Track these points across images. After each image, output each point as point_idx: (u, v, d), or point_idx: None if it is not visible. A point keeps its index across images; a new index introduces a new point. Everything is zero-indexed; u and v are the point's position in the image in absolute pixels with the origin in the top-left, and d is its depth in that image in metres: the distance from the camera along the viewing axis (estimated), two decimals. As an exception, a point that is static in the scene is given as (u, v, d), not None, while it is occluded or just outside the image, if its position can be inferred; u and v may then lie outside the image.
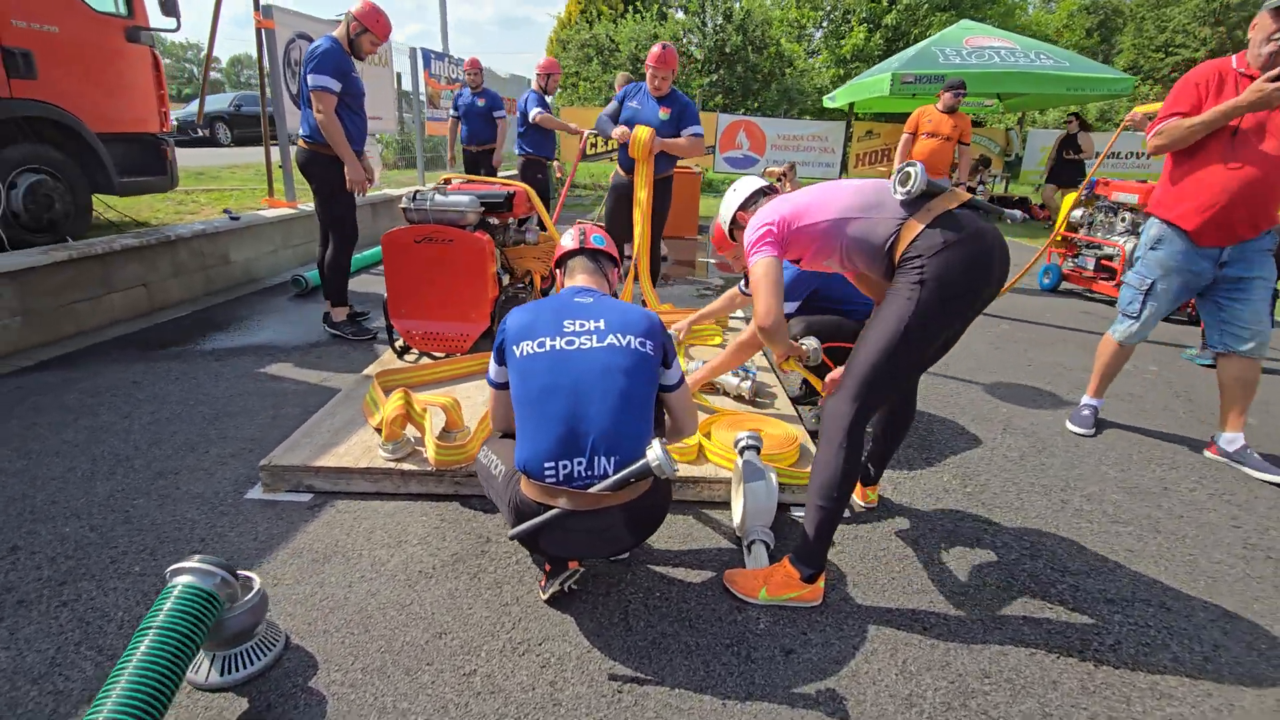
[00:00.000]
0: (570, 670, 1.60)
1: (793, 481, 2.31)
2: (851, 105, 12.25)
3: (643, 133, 3.72)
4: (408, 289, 3.17)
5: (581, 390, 1.60)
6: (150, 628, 1.33)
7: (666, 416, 1.95)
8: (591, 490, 1.55)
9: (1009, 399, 3.39)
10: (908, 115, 6.40)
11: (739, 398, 2.95)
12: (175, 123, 15.88)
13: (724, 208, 2.29)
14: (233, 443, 2.64)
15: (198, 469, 2.44)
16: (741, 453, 2.14)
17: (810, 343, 2.39)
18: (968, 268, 1.70)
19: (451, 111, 6.76)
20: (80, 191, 4.67)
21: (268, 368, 3.46)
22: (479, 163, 6.76)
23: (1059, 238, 5.59)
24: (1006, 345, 4.26)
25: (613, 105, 4.13)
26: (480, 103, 6.49)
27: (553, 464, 1.56)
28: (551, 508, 1.56)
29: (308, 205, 6.05)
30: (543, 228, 3.81)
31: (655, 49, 3.92)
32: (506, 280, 3.51)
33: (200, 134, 15.72)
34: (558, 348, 1.65)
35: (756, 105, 14.95)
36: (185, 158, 12.03)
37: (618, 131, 3.93)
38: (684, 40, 13.97)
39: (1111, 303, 5.28)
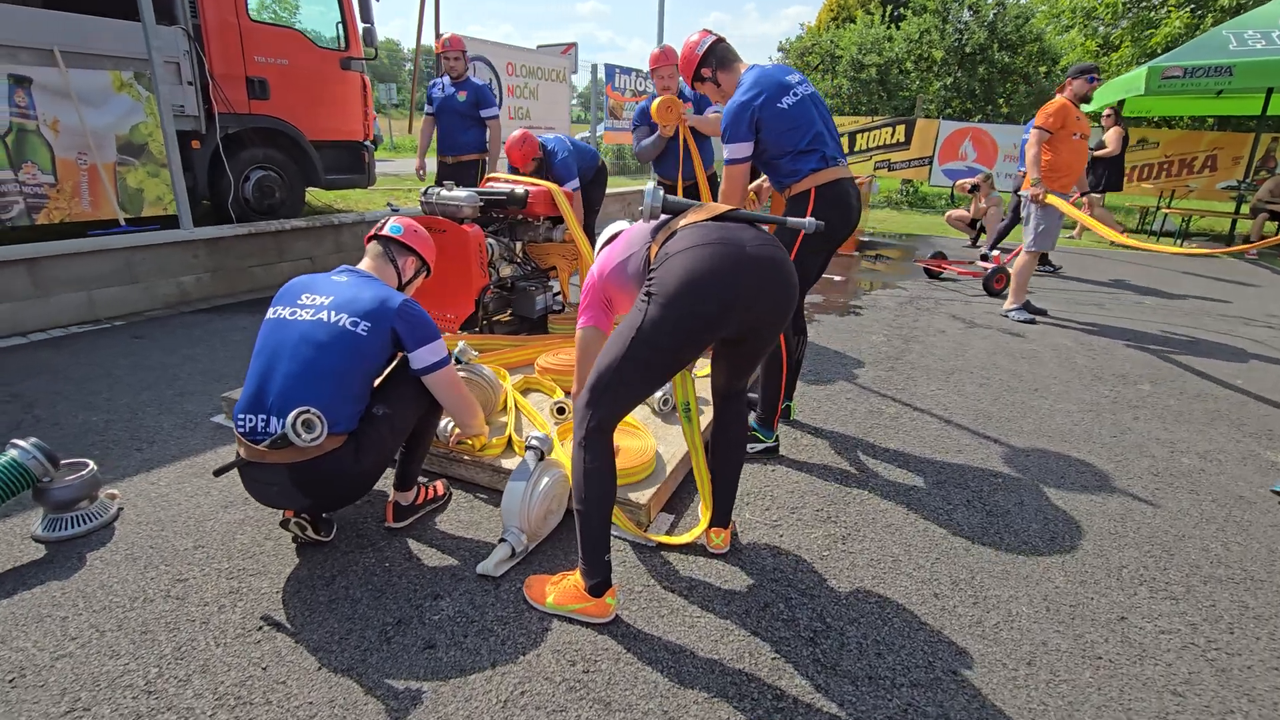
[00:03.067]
0: (245, 603, 1.79)
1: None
2: (1119, 106, 10.01)
3: (656, 101, 3.71)
4: (415, 272, 3.62)
5: (276, 355, 1.78)
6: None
7: None
8: (258, 446, 1.72)
9: (1026, 468, 2.64)
10: (1195, 119, 5.14)
11: (655, 411, 2.80)
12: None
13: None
14: (249, 380, 3.32)
15: (204, 394, 3.14)
16: (526, 450, 2.10)
17: None
18: (694, 279, 1.59)
19: (427, 109, 5.04)
20: (296, 185, 6.11)
21: (335, 329, 4.20)
22: (458, 178, 4.83)
23: None
24: (1108, 411, 3.27)
25: (643, 131, 4.16)
26: (460, 96, 4.80)
27: (243, 417, 1.77)
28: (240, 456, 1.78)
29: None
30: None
31: (654, 51, 3.89)
32: (508, 271, 3.76)
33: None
34: (282, 317, 1.85)
35: (1005, 110, 12.96)
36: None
37: (655, 137, 3.95)
38: (920, 42, 12.71)
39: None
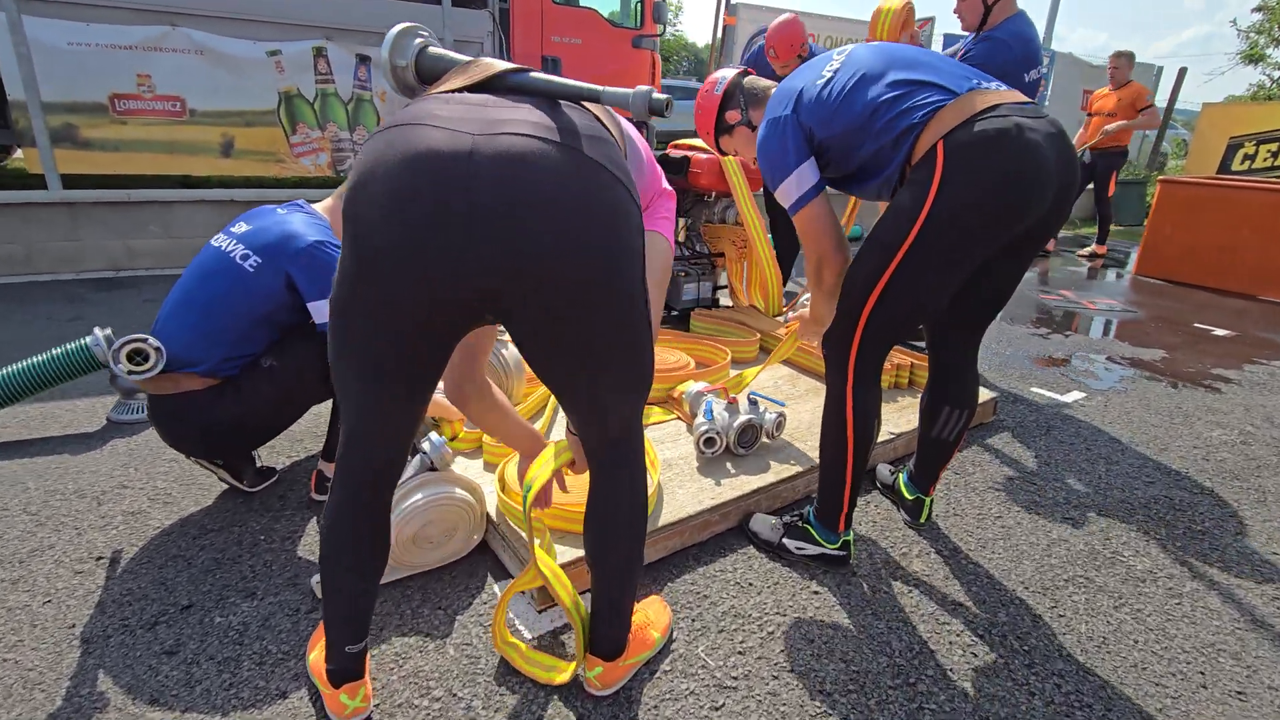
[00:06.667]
0: (125, 526, 1.74)
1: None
2: None
3: None
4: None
5: (180, 281, 1.66)
6: (46, 352, 2.20)
7: None
8: (135, 369, 1.62)
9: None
10: None
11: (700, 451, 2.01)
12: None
13: None
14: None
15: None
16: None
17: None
18: (358, 183, 0.94)
19: None
20: (575, 159, 6.47)
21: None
22: None
23: None
24: None
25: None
26: None
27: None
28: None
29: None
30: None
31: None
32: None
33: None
34: (208, 242, 1.71)
35: None
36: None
37: None
38: None
39: None
